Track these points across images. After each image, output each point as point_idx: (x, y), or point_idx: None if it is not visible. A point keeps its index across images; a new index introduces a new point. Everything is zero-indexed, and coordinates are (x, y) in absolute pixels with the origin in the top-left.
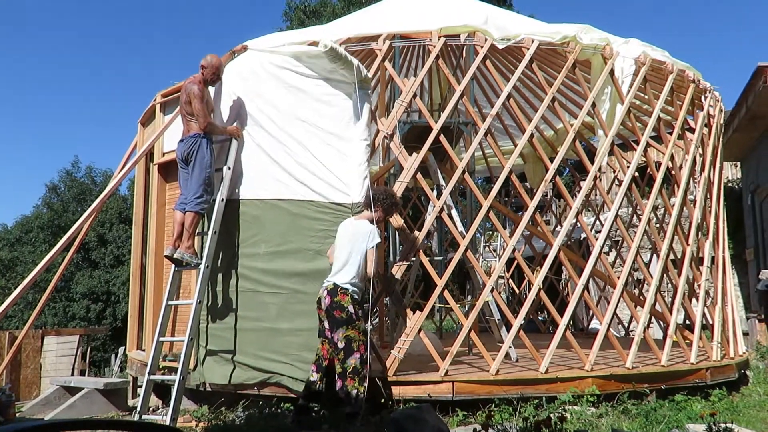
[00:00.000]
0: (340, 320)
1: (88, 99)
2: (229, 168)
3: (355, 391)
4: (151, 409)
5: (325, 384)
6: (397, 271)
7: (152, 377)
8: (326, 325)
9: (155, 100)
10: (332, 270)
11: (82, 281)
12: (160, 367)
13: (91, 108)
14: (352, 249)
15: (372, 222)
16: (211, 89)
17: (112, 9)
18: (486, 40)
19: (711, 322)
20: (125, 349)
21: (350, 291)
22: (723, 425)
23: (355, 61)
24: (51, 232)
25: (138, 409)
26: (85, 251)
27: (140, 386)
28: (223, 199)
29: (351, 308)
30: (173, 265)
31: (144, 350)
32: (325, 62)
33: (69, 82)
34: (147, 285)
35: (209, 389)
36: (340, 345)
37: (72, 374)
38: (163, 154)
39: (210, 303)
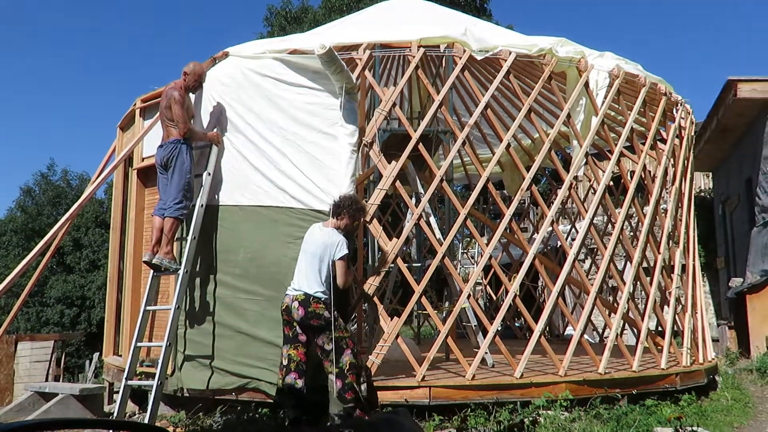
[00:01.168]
0: (320, 327)
1: (66, 101)
2: (209, 174)
3: (357, 386)
4: (127, 415)
5: (307, 389)
6: (369, 287)
7: (129, 383)
8: (299, 330)
9: (135, 104)
10: (298, 277)
11: (56, 286)
12: (138, 372)
13: (68, 110)
14: (323, 257)
15: (339, 230)
16: (192, 95)
17: (90, 11)
18: (465, 51)
19: (681, 328)
20: (100, 355)
21: (323, 299)
22: (689, 428)
23: (347, 68)
24: (25, 236)
25: (115, 414)
26: (59, 255)
27: (116, 392)
28: (202, 205)
29: (326, 314)
30: (151, 271)
31: (121, 356)
32: (310, 70)
33: (46, 83)
34: (124, 290)
35: (187, 395)
36: (328, 347)
37: (46, 380)
38: (143, 159)
39: (188, 308)
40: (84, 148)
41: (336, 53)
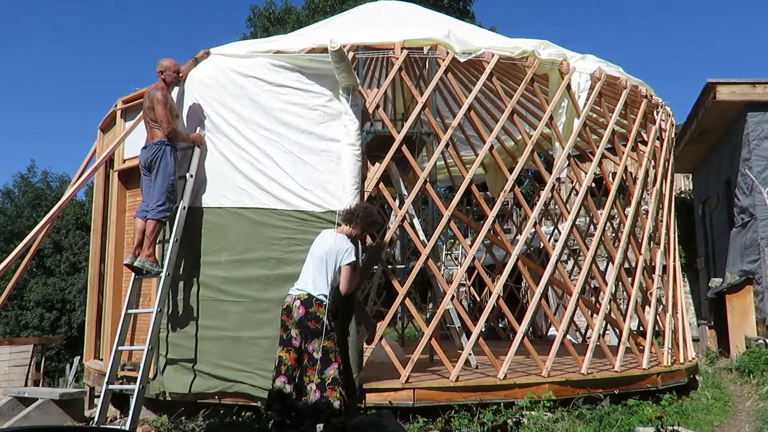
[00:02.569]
0: (315, 331)
1: (46, 101)
2: (192, 176)
3: (337, 402)
4: (108, 419)
5: (295, 394)
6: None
7: (111, 387)
8: (293, 334)
9: (116, 106)
10: (304, 278)
11: (36, 289)
12: (119, 376)
13: (49, 111)
14: (329, 262)
15: (350, 237)
16: (174, 96)
17: (71, 11)
18: (448, 53)
19: (662, 328)
20: (81, 359)
21: (325, 303)
22: (670, 428)
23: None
24: (4, 239)
25: (96, 419)
26: (39, 258)
27: (97, 396)
28: (185, 207)
29: (325, 319)
30: (133, 274)
31: (101, 360)
32: (295, 70)
33: (26, 83)
34: (105, 293)
35: (169, 399)
36: (317, 356)
37: (26, 384)
38: (124, 161)
39: (171, 311)
40: (64, 149)
41: (344, 51)
